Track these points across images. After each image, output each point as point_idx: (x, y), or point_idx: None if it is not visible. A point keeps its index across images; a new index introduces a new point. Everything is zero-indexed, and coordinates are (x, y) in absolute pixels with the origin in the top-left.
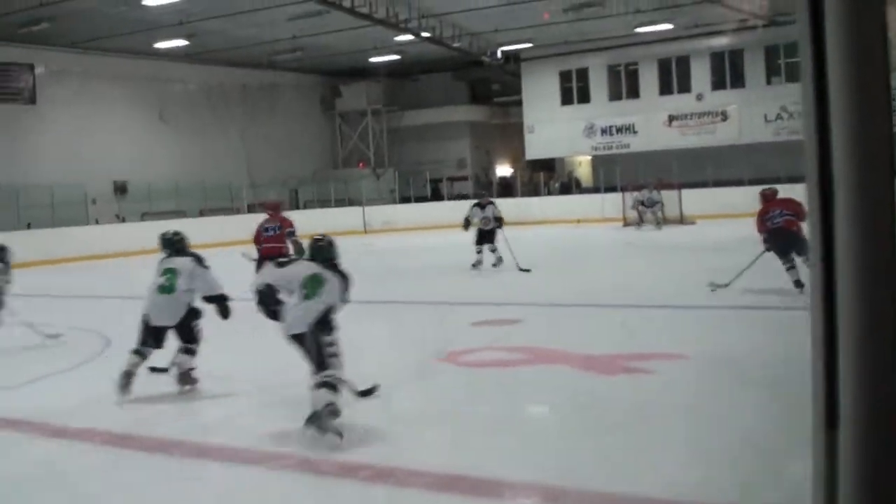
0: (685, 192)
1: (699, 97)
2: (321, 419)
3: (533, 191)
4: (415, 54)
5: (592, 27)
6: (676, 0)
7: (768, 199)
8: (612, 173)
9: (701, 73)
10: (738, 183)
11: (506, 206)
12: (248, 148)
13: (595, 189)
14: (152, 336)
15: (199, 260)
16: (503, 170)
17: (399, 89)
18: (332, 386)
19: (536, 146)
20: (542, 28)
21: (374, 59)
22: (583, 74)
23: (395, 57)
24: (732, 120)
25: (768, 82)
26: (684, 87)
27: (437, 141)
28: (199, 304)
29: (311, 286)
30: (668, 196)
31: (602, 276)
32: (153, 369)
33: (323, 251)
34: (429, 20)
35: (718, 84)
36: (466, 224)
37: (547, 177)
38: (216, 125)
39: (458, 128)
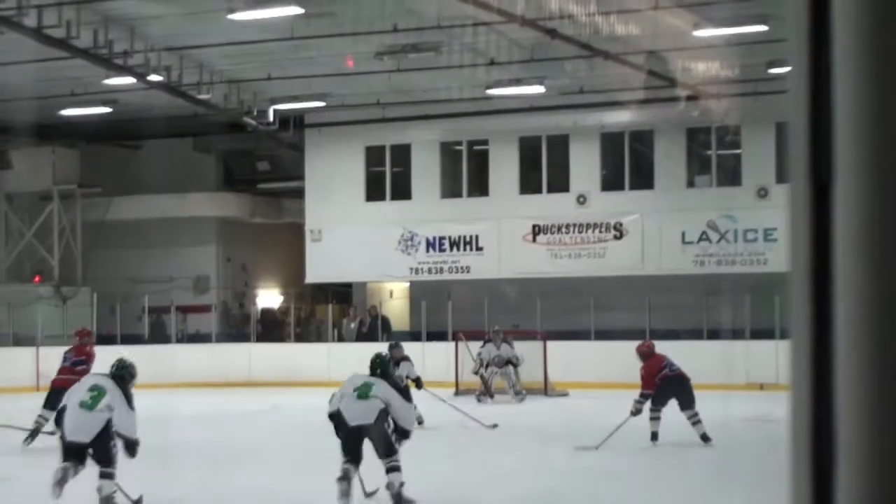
0: (554, 347)
1: (581, 200)
2: (401, 495)
3: (314, 334)
4: (136, 108)
5: (420, 83)
6: (551, 51)
7: (650, 354)
8: (440, 311)
9: (586, 164)
10: (636, 335)
11: (267, 354)
12: None
13: (412, 335)
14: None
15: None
16: (268, 298)
17: (107, 161)
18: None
19: (323, 263)
20: (341, 79)
21: (68, 112)
22: (402, 155)
23: (104, 110)
24: (632, 238)
25: (690, 184)
26: (559, 184)
27: (165, 247)
28: None
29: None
30: (527, 351)
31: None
32: None
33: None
34: (162, 55)
35: (612, 182)
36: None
37: (338, 312)
38: None
39: (199, 227)
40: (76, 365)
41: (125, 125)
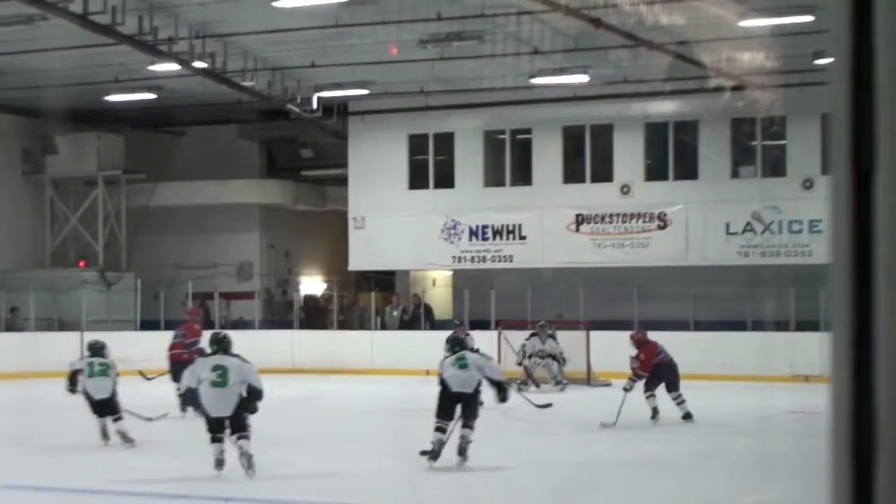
0: (597, 337)
1: (625, 190)
2: (466, 450)
3: (357, 321)
4: (180, 94)
5: (463, 72)
6: (595, 41)
7: (644, 341)
8: (483, 300)
9: (629, 154)
10: (681, 326)
11: (309, 341)
12: None
13: (455, 323)
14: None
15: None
16: (311, 285)
17: (151, 147)
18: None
19: (366, 251)
20: (385, 67)
21: (112, 98)
22: (445, 143)
23: (148, 96)
24: (676, 228)
25: (735, 174)
26: (603, 174)
27: (208, 233)
28: None
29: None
30: (570, 341)
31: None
32: None
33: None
34: (206, 42)
35: (656, 172)
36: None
37: (381, 300)
38: None
39: (242, 213)
40: (191, 346)
41: (169, 111)
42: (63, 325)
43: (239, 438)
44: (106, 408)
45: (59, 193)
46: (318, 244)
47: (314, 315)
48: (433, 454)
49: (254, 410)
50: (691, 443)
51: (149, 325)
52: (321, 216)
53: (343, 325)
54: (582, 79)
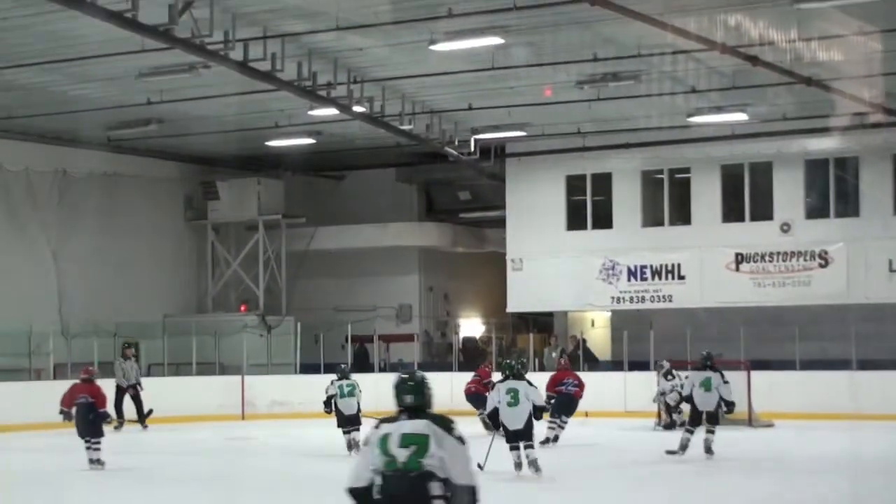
0: (758, 377)
1: (785, 228)
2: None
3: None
4: (339, 139)
5: (620, 112)
6: (753, 79)
7: (566, 367)
8: (642, 340)
9: (789, 192)
10: (842, 364)
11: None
12: (61, 274)
13: (615, 364)
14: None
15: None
16: (470, 326)
17: (311, 192)
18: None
19: (525, 292)
20: (542, 109)
21: (273, 143)
22: (603, 183)
23: (308, 141)
24: (837, 266)
25: None
26: (762, 212)
27: (367, 276)
28: None
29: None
30: (734, 380)
31: None
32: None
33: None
34: (364, 87)
35: (816, 210)
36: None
37: (540, 341)
38: (13, 234)
39: (401, 256)
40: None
41: (329, 156)
42: (224, 370)
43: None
44: (355, 420)
45: (220, 238)
46: (476, 286)
47: (473, 357)
48: None
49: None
50: (855, 481)
51: (308, 368)
52: (480, 258)
53: (500, 367)
54: (740, 117)
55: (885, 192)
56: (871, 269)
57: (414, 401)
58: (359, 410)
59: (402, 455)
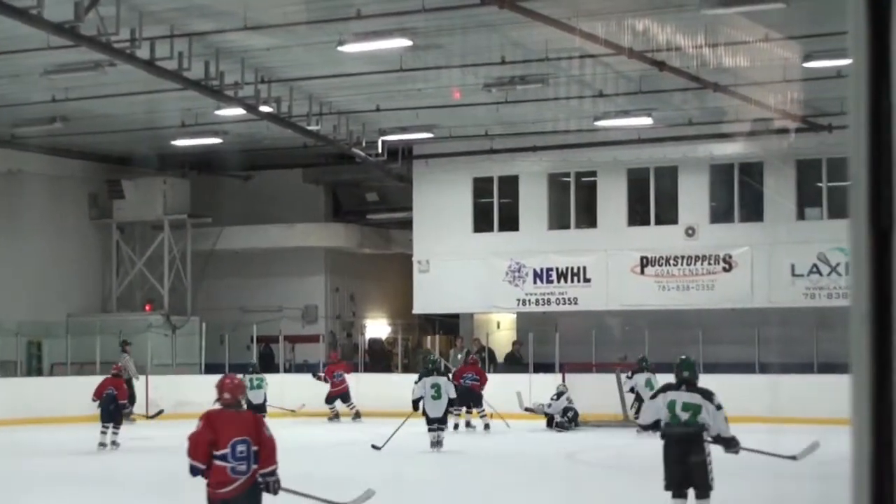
0: (661, 380)
1: (690, 232)
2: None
3: (421, 364)
4: (246, 139)
5: (528, 115)
6: (659, 83)
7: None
8: (547, 343)
9: (694, 196)
10: (745, 368)
11: (375, 386)
12: None
13: (519, 365)
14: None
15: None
16: (376, 328)
17: (217, 192)
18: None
19: (431, 294)
20: (449, 111)
21: (179, 143)
22: (510, 186)
23: (215, 140)
24: (741, 270)
25: (801, 216)
26: (667, 216)
27: (273, 277)
28: None
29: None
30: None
31: None
32: None
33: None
34: (272, 87)
35: (721, 214)
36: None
37: (446, 343)
38: None
39: (307, 257)
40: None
41: (235, 156)
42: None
43: None
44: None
45: (125, 238)
46: (382, 287)
47: (379, 358)
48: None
49: None
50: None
51: (213, 368)
52: (386, 259)
53: (407, 369)
54: (646, 121)
55: (789, 197)
56: (774, 273)
57: (689, 375)
58: (265, 401)
59: (683, 416)
